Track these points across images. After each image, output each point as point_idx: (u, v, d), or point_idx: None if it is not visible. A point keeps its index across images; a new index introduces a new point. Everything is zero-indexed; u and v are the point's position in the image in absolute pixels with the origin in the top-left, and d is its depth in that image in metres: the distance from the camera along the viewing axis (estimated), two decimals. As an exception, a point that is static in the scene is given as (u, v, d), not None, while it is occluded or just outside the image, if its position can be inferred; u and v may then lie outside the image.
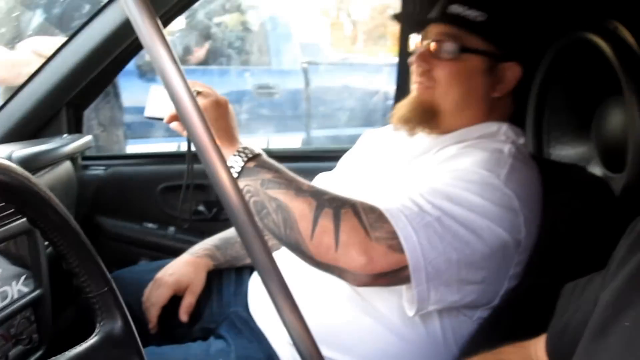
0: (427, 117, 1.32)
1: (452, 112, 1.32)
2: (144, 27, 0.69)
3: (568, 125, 1.64)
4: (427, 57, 1.31)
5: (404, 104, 1.36)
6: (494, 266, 1.15)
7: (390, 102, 5.13)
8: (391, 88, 5.27)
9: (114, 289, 0.85)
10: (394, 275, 1.07)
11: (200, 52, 4.59)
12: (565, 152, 1.66)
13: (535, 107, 1.69)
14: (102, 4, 1.68)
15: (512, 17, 1.33)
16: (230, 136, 1.18)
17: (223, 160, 0.68)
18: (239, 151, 1.15)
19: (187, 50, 4.54)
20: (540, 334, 0.92)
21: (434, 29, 1.33)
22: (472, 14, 1.29)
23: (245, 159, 1.14)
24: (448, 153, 1.24)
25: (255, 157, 1.15)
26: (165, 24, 1.81)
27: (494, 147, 1.23)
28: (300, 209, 1.07)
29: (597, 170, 1.54)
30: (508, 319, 1.25)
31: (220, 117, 1.19)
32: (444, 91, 1.31)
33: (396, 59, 2.11)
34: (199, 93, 1.21)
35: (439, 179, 1.15)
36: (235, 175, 1.11)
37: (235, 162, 1.13)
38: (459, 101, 1.31)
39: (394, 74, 2.12)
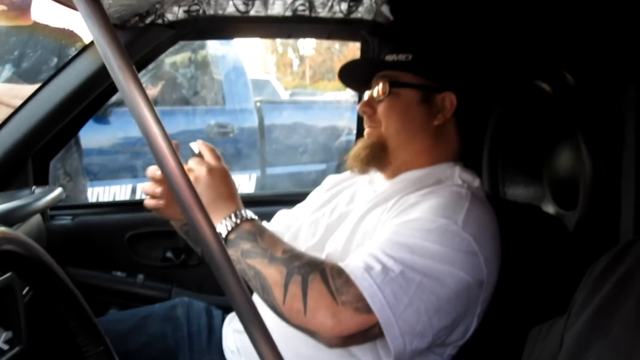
0: (377, 155, 1.41)
1: (399, 145, 1.41)
2: (122, 77, 0.70)
3: (521, 166, 1.73)
4: (371, 102, 1.44)
5: (357, 147, 1.45)
6: (461, 307, 1.20)
7: (343, 138, 5.22)
8: (342, 123, 5.37)
9: (110, 348, 0.87)
10: (364, 335, 1.12)
11: (153, 91, 4.59)
12: (519, 191, 1.74)
13: (489, 149, 1.77)
14: (70, 57, 1.70)
15: (437, 53, 1.44)
16: (211, 210, 1.22)
17: (202, 209, 0.71)
18: (220, 224, 1.21)
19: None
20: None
21: (374, 81, 1.46)
22: (401, 57, 1.41)
23: (226, 232, 1.20)
24: (407, 202, 1.29)
25: (235, 228, 1.21)
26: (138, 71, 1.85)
27: (451, 191, 1.29)
28: (273, 276, 1.13)
29: (549, 208, 1.62)
30: (476, 356, 1.30)
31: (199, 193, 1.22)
32: (386, 125, 1.41)
33: (343, 94, 2.19)
34: None
35: (399, 231, 1.20)
36: None
37: None
38: (401, 131, 1.40)
39: (345, 110, 2.19)
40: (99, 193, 4.09)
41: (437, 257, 1.14)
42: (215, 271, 0.69)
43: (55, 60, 2.28)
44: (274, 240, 1.20)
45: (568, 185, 1.50)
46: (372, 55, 1.92)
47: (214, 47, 5.00)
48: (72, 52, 2.31)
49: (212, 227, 0.68)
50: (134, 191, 4.19)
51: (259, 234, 1.20)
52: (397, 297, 1.09)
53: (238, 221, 1.22)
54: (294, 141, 5.32)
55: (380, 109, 1.41)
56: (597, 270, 0.83)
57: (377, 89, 1.42)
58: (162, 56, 4.36)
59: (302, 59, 12.63)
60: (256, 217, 1.26)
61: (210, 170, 1.27)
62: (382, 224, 1.28)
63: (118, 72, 0.74)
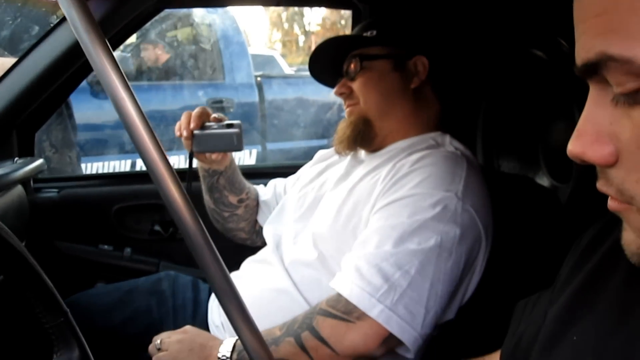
0: (362, 130, 1.40)
1: (381, 114, 1.39)
2: (93, 50, 0.69)
3: (516, 137, 1.69)
4: (345, 82, 1.43)
5: (340, 129, 1.44)
6: (464, 286, 1.21)
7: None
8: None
9: (70, 320, 0.84)
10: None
11: (163, 56, 4.54)
12: (514, 163, 1.71)
13: (483, 120, 1.73)
14: (52, 25, 1.65)
15: (399, 23, 1.44)
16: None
17: (177, 182, 0.68)
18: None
19: (144, 60, 4.47)
20: (493, 345, 0.94)
21: (345, 64, 1.45)
22: (367, 34, 1.43)
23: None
24: (401, 170, 1.26)
25: (233, 351, 1.19)
26: (116, 45, 1.79)
27: (445, 157, 1.26)
28: (288, 351, 1.12)
29: (544, 180, 1.58)
30: (465, 330, 1.28)
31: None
32: (365, 99, 1.39)
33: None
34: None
35: (397, 213, 1.17)
36: None
37: None
38: (380, 100, 1.39)
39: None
40: (97, 168, 4.07)
41: (444, 242, 1.13)
42: (190, 245, 0.66)
43: (36, 29, 2.24)
44: (267, 330, 1.19)
45: (563, 157, 1.46)
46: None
47: (213, 21, 4.94)
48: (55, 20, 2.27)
49: (187, 201, 0.65)
50: (133, 166, 4.16)
51: None
52: (413, 311, 1.08)
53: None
54: (295, 116, 5.27)
55: (356, 85, 1.41)
56: (584, 243, 0.79)
57: (348, 69, 1.42)
58: (158, 28, 4.31)
59: (307, 34, 12.54)
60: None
61: (181, 341, 1.26)
62: (377, 195, 1.26)
63: (91, 47, 0.71)
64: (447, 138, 1.38)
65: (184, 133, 1.39)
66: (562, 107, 1.45)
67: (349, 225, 1.28)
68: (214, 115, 1.42)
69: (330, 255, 1.29)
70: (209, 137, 1.37)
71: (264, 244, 1.52)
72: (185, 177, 1.40)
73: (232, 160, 1.56)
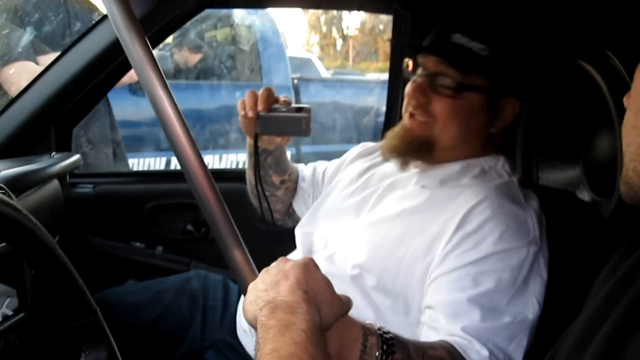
0: (422, 151, 1.27)
1: (450, 147, 1.28)
2: (134, 49, 0.70)
3: (557, 149, 1.64)
4: (425, 89, 1.26)
5: (396, 135, 1.31)
6: None
7: (381, 119, 5.13)
8: (381, 104, 5.28)
9: (100, 319, 0.84)
10: None
11: (194, 57, 4.57)
12: (554, 176, 1.66)
13: (524, 131, 1.69)
14: (93, 22, 1.67)
15: (513, 52, 1.28)
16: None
17: (210, 181, 0.67)
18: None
19: (179, 59, 4.50)
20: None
21: (433, 58, 1.27)
22: (475, 46, 1.23)
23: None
24: (470, 220, 1.15)
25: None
26: (156, 43, 1.80)
27: (510, 198, 1.19)
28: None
29: (585, 195, 1.54)
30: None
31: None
32: (442, 127, 1.25)
33: (386, 76, 2.09)
34: None
35: (489, 277, 1.09)
36: None
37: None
38: (457, 137, 1.26)
39: (384, 90, 2.11)
40: (133, 164, 4.09)
41: (539, 301, 1.11)
42: (220, 244, 0.66)
43: (78, 25, 2.27)
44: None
45: (605, 171, 1.42)
46: (405, 28, 1.83)
47: (253, 23, 4.95)
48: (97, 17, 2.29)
49: (219, 200, 0.64)
50: (168, 164, 4.19)
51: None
52: None
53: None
54: (331, 120, 5.24)
55: (440, 107, 1.25)
56: (623, 269, 0.77)
57: (438, 79, 1.25)
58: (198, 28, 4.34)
59: (345, 38, 12.53)
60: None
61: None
62: (440, 238, 1.16)
63: (131, 46, 0.71)
64: (501, 161, 1.29)
65: (250, 114, 1.29)
66: (605, 120, 1.41)
67: (395, 254, 1.19)
68: (283, 98, 1.33)
69: (367, 277, 1.21)
70: (277, 120, 1.28)
71: (294, 226, 1.47)
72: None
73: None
